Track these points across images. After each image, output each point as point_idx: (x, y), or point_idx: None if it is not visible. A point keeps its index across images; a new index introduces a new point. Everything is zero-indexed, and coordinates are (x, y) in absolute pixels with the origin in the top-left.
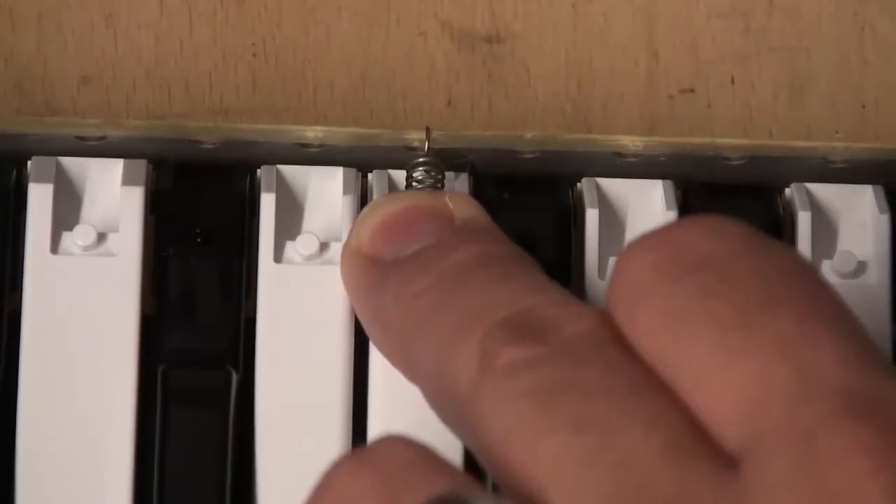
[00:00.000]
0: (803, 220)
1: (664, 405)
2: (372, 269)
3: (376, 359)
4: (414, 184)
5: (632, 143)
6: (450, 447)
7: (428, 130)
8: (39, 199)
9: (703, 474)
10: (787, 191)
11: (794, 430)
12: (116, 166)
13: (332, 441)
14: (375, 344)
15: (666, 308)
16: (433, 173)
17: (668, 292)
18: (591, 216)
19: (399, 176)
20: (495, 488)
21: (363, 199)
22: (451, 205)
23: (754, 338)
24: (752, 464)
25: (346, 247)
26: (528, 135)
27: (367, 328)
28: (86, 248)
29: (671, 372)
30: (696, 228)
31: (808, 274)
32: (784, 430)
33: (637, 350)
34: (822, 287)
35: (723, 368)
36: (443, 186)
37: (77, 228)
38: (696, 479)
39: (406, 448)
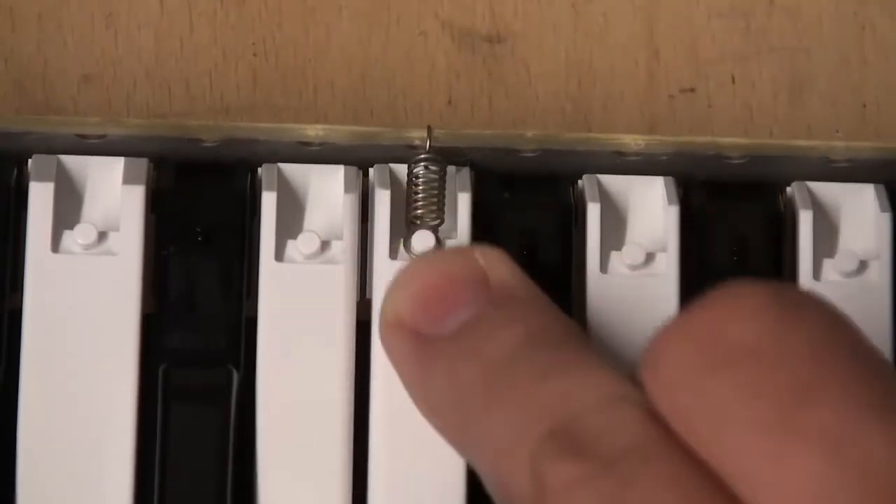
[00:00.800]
0: (805, 219)
1: None
2: (415, 342)
3: (377, 357)
4: (415, 180)
5: (633, 141)
6: (449, 455)
7: (429, 129)
8: (40, 198)
9: None
10: (789, 189)
11: None
12: (117, 165)
13: (333, 439)
14: (420, 410)
15: (707, 408)
16: (434, 168)
17: (705, 389)
18: (593, 210)
19: (401, 171)
20: None
21: (364, 198)
22: (482, 262)
23: (796, 436)
24: None
25: (383, 316)
26: (529, 133)
27: (414, 399)
28: (86, 247)
29: (721, 471)
30: (726, 311)
31: (844, 342)
32: None
33: (684, 442)
34: (860, 356)
35: (773, 471)
36: (444, 182)
37: (78, 227)
38: None
39: None
